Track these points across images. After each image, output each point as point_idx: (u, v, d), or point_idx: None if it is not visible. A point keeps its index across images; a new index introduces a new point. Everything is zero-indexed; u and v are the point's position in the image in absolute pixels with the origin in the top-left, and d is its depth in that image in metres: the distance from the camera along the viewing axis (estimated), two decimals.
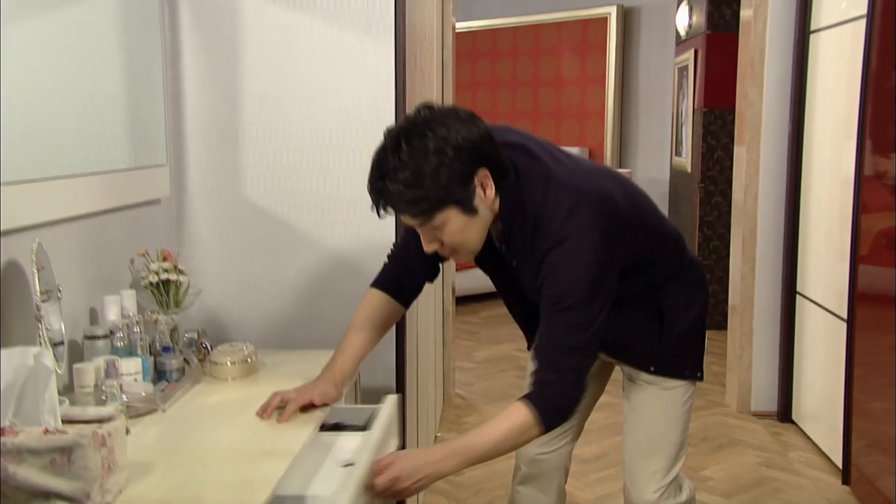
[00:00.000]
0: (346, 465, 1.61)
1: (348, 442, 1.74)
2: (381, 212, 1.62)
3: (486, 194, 1.65)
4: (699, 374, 2.01)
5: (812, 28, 3.72)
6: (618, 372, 2.15)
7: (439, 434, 3.82)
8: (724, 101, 5.23)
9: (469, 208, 1.63)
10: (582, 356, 1.69)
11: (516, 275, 1.84)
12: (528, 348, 2.19)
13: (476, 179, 1.62)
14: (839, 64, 3.46)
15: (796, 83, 3.81)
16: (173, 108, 2.43)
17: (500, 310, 6.13)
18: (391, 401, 1.88)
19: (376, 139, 2.37)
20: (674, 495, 2.04)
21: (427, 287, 1.92)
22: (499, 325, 5.90)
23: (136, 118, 2.21)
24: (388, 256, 2.02)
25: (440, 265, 2.02)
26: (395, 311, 1.98)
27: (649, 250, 1.89)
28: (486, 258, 1.87)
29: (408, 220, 1.65)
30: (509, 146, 1.73)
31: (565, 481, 2.25)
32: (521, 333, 2.11)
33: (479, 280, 6.38)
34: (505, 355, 5.18)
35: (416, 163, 1.56)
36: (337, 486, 1.52)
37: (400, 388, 2.52)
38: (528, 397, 1.67)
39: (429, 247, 1.69)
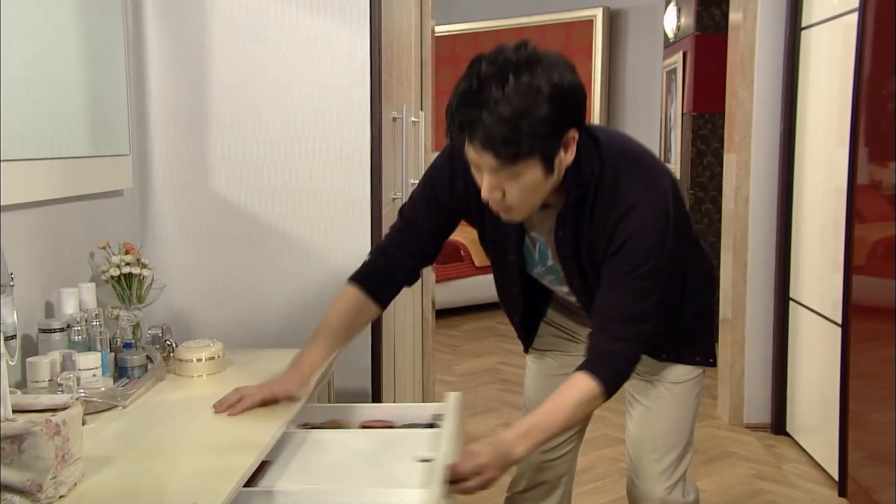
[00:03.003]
0: (423, 461, 1.58)
1: (421, 438, 1.71)
2: (456, 135, 1.49)
3: (567, 157, 1.54)
4: (712, 360, 1.96)
5: (803, 24, 3.64)
6: None
7: None
8: (713, 105, 5.15)
9: (550, 166, 1.52)
10: (646, 322, 1.68)
11: (566, 250, 1.72)
12: (525, 351, 2.11)
13: (565, 138, 1.51)
14: (831, 61, 3.38)
15: (788, 81, 3.71)
16: (136, 96, 2.32)
17: (482, 323, 6.19)
18: (455, 398, 1.84)
19: (350, 129, 2.32)
20: (681, 494, 1.98)
21: (406, 295, 1.84)
22: (480, 338, 5.75)
23: (97, 106, 2.11)
24: (370, 253, 1.94)
25: (421, 271, 1.94)
26: (371, 311, 1.88)
27: (686, 220, 1.86)
28: (502, 236, 1.80)
29: (486, 160, 1.48)
30: None
31: (571, 487, 2.17)
32: (504, 346, 2.02)
33: (459, 293, 6.44)
34: (487, 368, 5.05)
35: (524, 103, 1.42)
36: (418, 481, 1.50)
37: (376, 398, 2.41)
38: (590, 368, 1.65)
39: (490, 194, 1.54)
